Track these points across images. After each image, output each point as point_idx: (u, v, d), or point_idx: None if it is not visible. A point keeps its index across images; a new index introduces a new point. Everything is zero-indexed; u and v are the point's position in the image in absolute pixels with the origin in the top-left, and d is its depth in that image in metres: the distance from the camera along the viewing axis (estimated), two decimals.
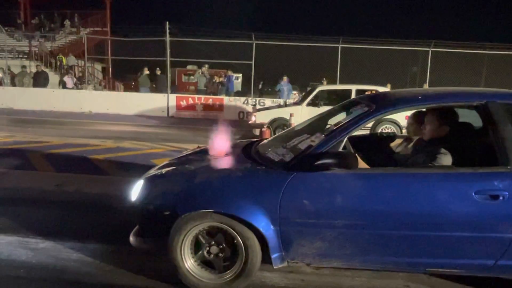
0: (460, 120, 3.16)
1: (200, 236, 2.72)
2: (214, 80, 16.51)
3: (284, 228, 2.59)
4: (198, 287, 2.73)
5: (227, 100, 14.75)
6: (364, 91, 9.41)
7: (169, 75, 15.60)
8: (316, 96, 9.87)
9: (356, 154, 2.76)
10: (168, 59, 15.25)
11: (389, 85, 13.60)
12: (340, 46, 14.68)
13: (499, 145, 2.56)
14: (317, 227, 2.59)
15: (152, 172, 3.17)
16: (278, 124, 9.56)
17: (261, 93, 18.93)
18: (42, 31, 21.90)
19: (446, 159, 2.78)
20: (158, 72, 16.31)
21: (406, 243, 2.59)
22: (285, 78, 14.97)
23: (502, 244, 2.51)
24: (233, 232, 2.64)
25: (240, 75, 17.26)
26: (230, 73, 16.55)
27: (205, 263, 2.76)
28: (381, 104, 2.90)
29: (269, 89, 20.36)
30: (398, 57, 15.12)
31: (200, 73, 16.69)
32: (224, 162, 3.15)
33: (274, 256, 2.63)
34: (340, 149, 2.65)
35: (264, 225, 2.57)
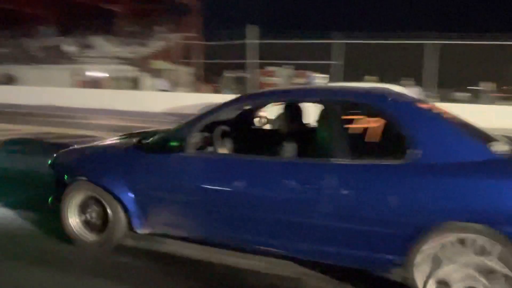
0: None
1: (83, 202, 3.25)
2: (293, 81, 16.61)
3: (140, 198, 3.03)
4: (79, 243, 3.25)
5: None
6: None
7: (251, 76, 16.04)
8: None
9: (208, 138, 3.07)
10: (252, 61, 15.67)
11: (489, 84, 12.44)
12: (433, 42, 13.84)
13: (329, 139, 2.71)
14: (164, 200, 3.02)
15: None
16: None
17: None
18: (136, 38, 23.80)
19: (287, 150, 2.96)
20: (241, 74, 16.83)
21: (235, 220, 2.85)
22: (372, 78, 14.53)
23: (318, 231, 2.62)
24: (103, 200, 3.13)
25: (328, 75, 17.15)
26: (311, 73, 16.52)
27: (87, 225, 3.26)
28: (240, 98, 3.24)
29: None
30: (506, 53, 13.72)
31: (281, 74, 16.90)
32: (114, 143, 3.66)
33: (134, 220, 3.08)
34: (195, 134, 2.95)
35: (124, 194, 3.04)
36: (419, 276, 2.41)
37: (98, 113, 14.52)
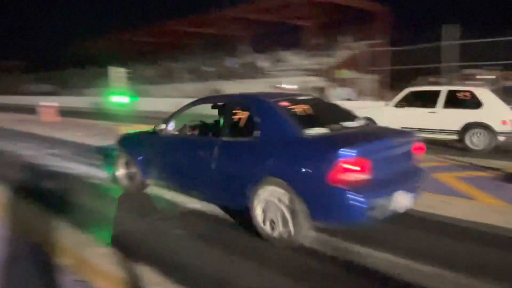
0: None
1: (125, 163, 5.37)
2: (498, 84, 14.39)
3: (144, 161, 5.09)
4: (122, 186, 5.48)
5: None
6: (456, 92, 8.89)
7: (447, 80, 14.65)
8: (404, 98, 9.37)
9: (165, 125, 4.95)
10: (448, 64, 14.33)
11: None
12: None
13: (223, 125, 4.39)
14: (153, 162, 5.01)
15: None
16: None
17: None
18: (322, 50, 24.72)
19: (210, 133, 4.72)
20: (437, 79, 15.57)
21: (178, 176, 4.74)
22: None
23: (212, 183, 4.22)
24: (130, 161, 5.30)
25: None
26: None
27: (126, 176, 5.39)
28: (195, 101, 4.83)
29: None
30: None
31: (483, 76, 14.88)
32: (147, 129, 5.31)
33: (143, 174, 5.11)
34: (170, 123, 4.91)
35: (137, 159, 5.16)
36: (257, 210, 3.73)
37: None
